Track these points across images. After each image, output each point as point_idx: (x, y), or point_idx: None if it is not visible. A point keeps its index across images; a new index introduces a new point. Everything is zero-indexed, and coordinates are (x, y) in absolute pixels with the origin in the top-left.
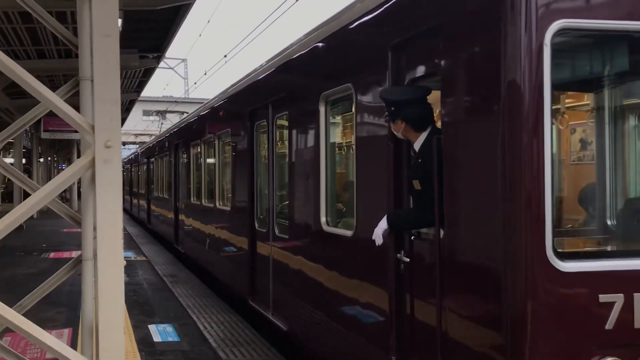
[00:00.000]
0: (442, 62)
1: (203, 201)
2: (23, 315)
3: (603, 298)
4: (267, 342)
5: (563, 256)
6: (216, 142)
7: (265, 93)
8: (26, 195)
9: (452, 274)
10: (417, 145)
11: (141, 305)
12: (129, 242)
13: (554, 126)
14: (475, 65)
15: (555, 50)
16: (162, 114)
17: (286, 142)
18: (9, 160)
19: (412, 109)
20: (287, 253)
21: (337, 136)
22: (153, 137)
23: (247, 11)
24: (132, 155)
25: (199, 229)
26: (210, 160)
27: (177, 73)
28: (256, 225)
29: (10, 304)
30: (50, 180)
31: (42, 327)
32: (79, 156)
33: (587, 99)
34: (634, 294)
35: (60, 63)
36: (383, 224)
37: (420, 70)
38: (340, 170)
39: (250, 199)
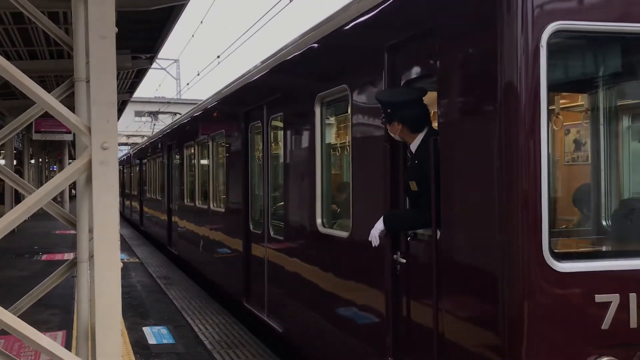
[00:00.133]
0: (439, 64)
1: (197, 203)
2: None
3: (599, 298)
4: (262, 343)
5: (559, 256)
6: (210, 143)
7: (260, 94)
8: (17, 196)
9: (449, 274)
10: (413, 147)
11: (135, 308)
12: (122, 244)
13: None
14: (472, 67)
15: (551, 51)
16: (154, 115)
17: (281, 143)
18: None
19: (409, 110)
20: (283, 254)
21: (332, 137)
22: (145, 138)
23: (240, 12)
24: (125, 157)
25: (192, 231)
26: (204, 162)
27: (169, 74)
28: (251, 226)
29: (3, 306)
30: (40, 181)
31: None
32: (70, 157)
33: (581, 100)
34: (630, 294)
35: (52, 64)
36: (379, 225)
37: (417, 71)
38: (336, 172)
39: (245, 200)
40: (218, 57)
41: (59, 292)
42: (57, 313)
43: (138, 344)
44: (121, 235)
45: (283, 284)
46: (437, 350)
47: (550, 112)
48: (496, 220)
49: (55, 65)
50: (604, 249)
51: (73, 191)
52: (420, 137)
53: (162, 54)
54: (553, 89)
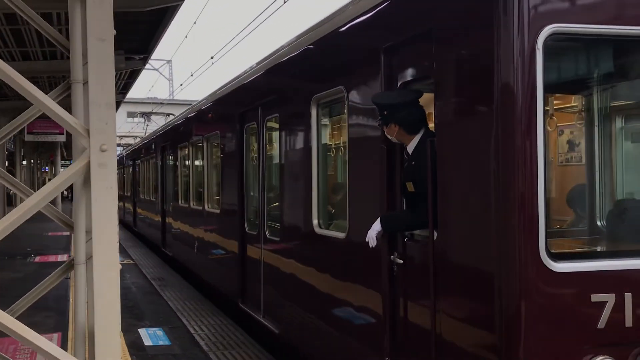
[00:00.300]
0: (435, 65)
1: (191, 204)
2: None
3: (595, 298)
4: (258, 344)
5: (556, 257)
6: (205, 144)
7: (255, 95)
8: (9, 198)
9: (446, 275)
10: (410, 148)
11: (130, 309)
12: None
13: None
14: (469, 69)
15: (547, 53)
16: (147, 115)
17: (277, 145)
18: None
19: (405, 112)
20: (279, 255)
21: (328, 138)
22: (138, 139)
23: (234, 13)
24: (117, 158)
25: (187, 232)
26: (198, 163)
27: (161, 74)
28: (246, 227)
29: None
30: (32, 182)
31: None
32: (62, 159)
33: (576, 101)
34: (625, 293)
35: (44, 65)
36: (376, 226)
37: (413, 73)
38: (332, 173)
39: (240, 201)
40: (212, 57)
41: (52, 294)
42: (51, 315)
43: (134, 345)
44: None
45: (279, 285)
46: (435, 351)
47: (545, 114)
48: (493, 221)
49: (48, 66)
50: (599, 249)
51: (65, 192)
52: (417, 138)
53: (154, 54)
54: (549, 90)
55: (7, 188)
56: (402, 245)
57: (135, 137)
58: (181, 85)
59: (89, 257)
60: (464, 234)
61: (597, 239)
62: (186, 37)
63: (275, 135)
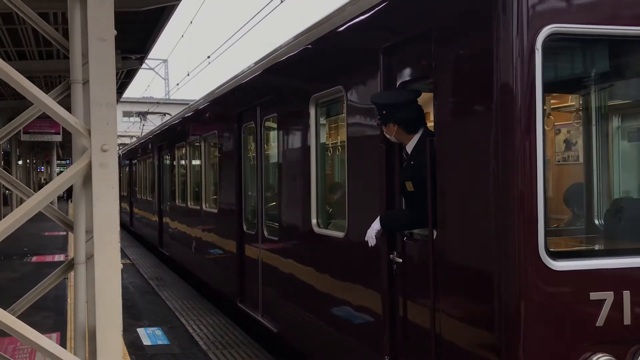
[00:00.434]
0: (435, 65)
1: (189, 203)
2: None
3: (594, 296)
4: (256, 343)
5: (555, 255)
6: (202, 144)
7: (254, 95)
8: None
9: (445, 274)
10: (409, 148)
11: (128, 309)
12: None
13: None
14: (468, 69)
15: (546, 53)
16: (143, 115)
17: (275, 144)
18: None
19: (404, 111)
20: (277, 255)
21: (327, 138)
22: (134, 138)
23: (231, 12)
24: None
25: (184, 232)
26: (196, 162)
27: (157, 74)
28: (244, 227)
29: None
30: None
31: None
32: (58, 158)
33: (574, 101)
34: (624, 291)
35: (41, 65)
36: (376, 225)
37: (412, 72)
38: (331, 172)
39: (238, 201)
40: (208, 57)
41: (50, 294)
42: (49, 315)
43: (133, 345)
44: None
45: (278, 284)
46: (434, 349)
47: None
48: (493, 220)
49: (44, 66)
50: (596, 247)
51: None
52: (416, 138)
53: (150, 54)
54: (548, 90)
55: (0, 189)
56: (402, 244)
57: (131, 136)
58: (177, 84)
59: (89, 257)
60: (464, 233)
61: (595, 237)
62: (182, 36)
63: (274, 134)
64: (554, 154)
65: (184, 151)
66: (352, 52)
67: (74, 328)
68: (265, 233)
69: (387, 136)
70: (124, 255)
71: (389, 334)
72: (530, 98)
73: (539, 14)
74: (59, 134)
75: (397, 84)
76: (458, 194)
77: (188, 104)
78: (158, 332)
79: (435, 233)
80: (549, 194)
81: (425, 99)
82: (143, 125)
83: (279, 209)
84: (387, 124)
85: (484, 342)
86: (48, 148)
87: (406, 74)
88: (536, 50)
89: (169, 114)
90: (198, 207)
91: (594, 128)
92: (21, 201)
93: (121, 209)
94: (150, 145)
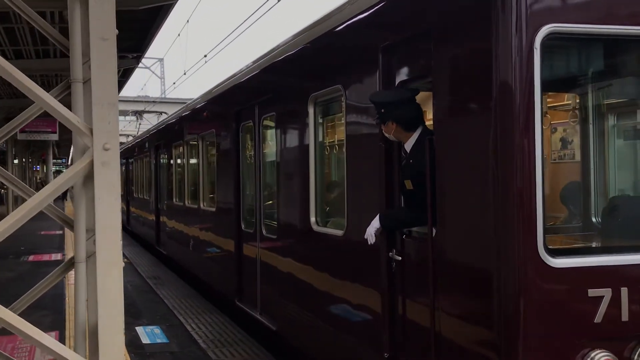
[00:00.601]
0: (434, 64)
1: (186, 202)
2: None
3: (592, 293)
4: (255, 341)
5: (553, 252)
6: (200, 142)
7: (252, 94)
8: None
9: (445, 271)
10: (408, 146)
11: (127, 307)
12: None
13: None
14: (467, 68)
15: (545, 52)
16: (139, 114)
17: (273, 143)
18: None
19: (402, 109)
20: (276, 253)
21: (326, 136)
22: (130, 137)
23: (228, 11)
24: None
25: (182, 231)
26: (194, 161)
27: (153, 73)
28: (242, 225)
29: None
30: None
31: None
32: (54, 157)
33: (570, 99)
34: (621, 288)
35: (38, 63)
36: (375, 223)
37: (411, 71)
38: (330, 171)
39: (237, 199)
40: (205, 56)
41: (47, 292)
42: (47, 314)
43: (132, 344)
44: None
45: (277, 282)
46: (434, 347)
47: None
48: (492, 218)
49: (41, 64)
50: (594, 245)
51: None
52: (414, 136)
53: (146, 53)
54: (546, 88)
55: None
56: (401, 242)
57: (127, 135)
58: (174, 83)
59: (89, 256)
60: (463, 231)
61: (593, 235)
62: (179, 35)
63: (272, 133)
64: (550, 152)
65: (181, 150)
66: (351, 51)
67: (74, 326)
68: (264, 232)
69: (386, 135)
70: None
71: (389, 331)
72: (528, 96)
73: (537, 13)
74: (55, 132)
75: (396, 83)
76: (457, 192)
77: (184, 103)
78: (157, 330)
79: (434, 231)
80: (546, 192)
81: (423, 98)
82: (139, 124)
83: (278, 207)
84: (386, 123)
85: (483, 339)
86: (44, 147)
87: (405, 73)
88: (535, 49)
89: (165, 112)
90: (196, 206)
91: (590, 126)
92: (15, 200)
93: None
94: (147, 144)
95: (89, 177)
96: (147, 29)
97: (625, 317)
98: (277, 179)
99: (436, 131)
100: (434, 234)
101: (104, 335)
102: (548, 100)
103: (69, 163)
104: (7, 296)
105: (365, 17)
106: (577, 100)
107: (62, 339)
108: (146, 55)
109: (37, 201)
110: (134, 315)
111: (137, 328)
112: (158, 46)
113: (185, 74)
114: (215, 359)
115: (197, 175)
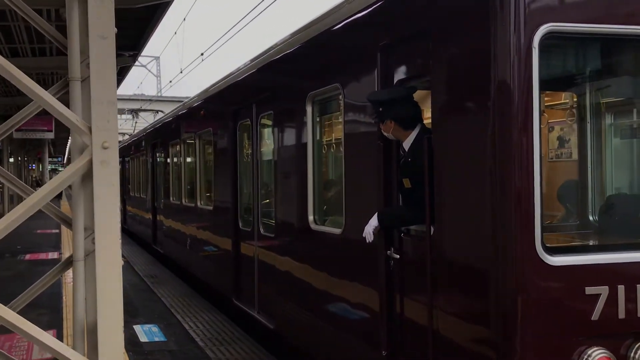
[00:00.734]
0: (432, 63)
1: (183, 201)
2: None
3: (589, 290)
4: (253, 340)
5: (551, 250)
6: (197, 141)
7: (250, 92)
8: None
9: (443, 269)
10: (406, 144)
11: (124, 306)
12: None
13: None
14: (465, 67)
15: (543, 51)
16: (135, 112)
17: (271, 141)
18: None
19: (400, 107)
20: (274, 252)
21: (324, 135)
22: (126, 136)
23: (224, 9)
24: None
25: (179, 229)
26: (191, 160)
27: (149, 71)
28: (240, 224)
29: None
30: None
31: None
32: (50, 156)
33: (568, 98)
34: (618, 286)
35: (33, 61)
36: (373, 222)
37: (410, 70)
38: (328, 169)
39: (234, 198)
40: (202, 54)
41: (43, 291)
42: (45, 313)
43: (130, 342)
44: None
45: (274, 281)
46: (432, 344)
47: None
48: (490, 216)
49: (37, 62)
50: (591, 243)
51: None
52: (413, 134)
53: (142, 51)
54: (544, 87)
55: None
56: (399, 240)
57: (123, 134)
58: (170, 82)
59: (88, 254)
60: (461, 229)
61: (590, 233)
62: (175, 33)
63: (270, 132)
64: (547, 151)
65: (178, 148)
66: (350, 49)
67: (73, 324)
68: (262, 230)
69: (385, 134)
70: None
71: (386, 329)
72: (527, 95)
73: (536, 12)
74: (51, 131)
75: (395, 81)
76: (455, 190)
77: (181, 101)
78: (154, 329)
79: (432, 229)
80: (544, 191)
81: (421, 96)
82: (135, 122)
83: (276, 206)
84: (384, 121)
85: (481, 337)
86: (40, 145)
87: (404, 72)
88: (533, 49)
89: (161, 111)
90: (193, 205)
91: (588, 125)
92: (11, 199)
93: None
94: (143, 142)
95: (87, 176)
96: (144, 27)
97: (622, 314)
98: (275, 177)
99: (434, 130)
100: (432, 232)
101: (103, 333)
102: (546, 99)
103: (65, 162)
104: (4, 295)
105: (363, 15)
106: (575, 99)
107: (59, 338)
108: (142, 53)
109: (37, 199)
110: (131, 313)
111: (134, 326)
112: (154, 44)
113: (181, 72)
114: (213, 357)
115: (194, 174)
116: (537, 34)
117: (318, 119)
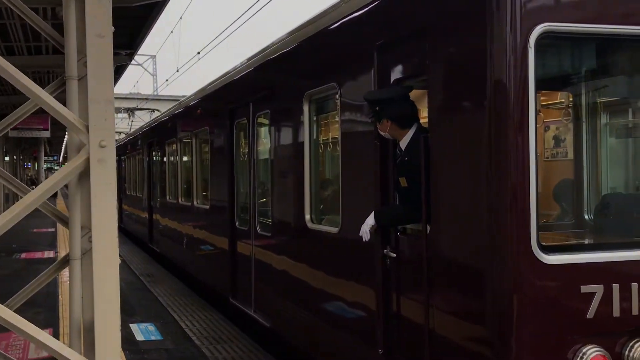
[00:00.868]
0: (429, 62)
1: (180, 200)
2: None
3: (584, 289)
4: (249, 338)
5: (547, 249)
6: (194, 140)
7: (246, 91)
8: None
9: (439, 268)
10: (403, 144)
11: (121, 305)
12: None
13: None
14: (462, 66)
15: (539, 51)
16: (131, 111)
17: (267, 140)
18: None
19: (397, 106)
20: (270, 251)
21: (320, 134)
22: (123, 135)
23: (221, 8)
24: None
25: (175, 228)
26: (187, 159)
27: (146, 70)
28: (236, 223)
29: None
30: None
31: None
32: (45, 154)
33: (564, 98)
34: (613, 284)
35: (29, 60)
36: (370, 220)
37: (407, 70)
38: (325, 168)
39: (230, 197)
40: (198, 53)
41: (40, 290)
42: (41, 311)
43: (126, 341)
44: None
45: (271, 279)
46: (428, 343)
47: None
48: (486, 215)
49: (33, 61)
50: (586, 241)
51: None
52: (409, 134)
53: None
54: (540, 87)
55: None
56: (395, 239)
57: (119, 132)
58: (167, 80)
59: (84, 253)
60: (457, 228)
61: (585, 232)
62: (172, 32)
63: (267, 131)
64: (543, 150)
65: (174, 147)
66: (347, 49)
67: (69, 323)
68: (258, 229)
69: (381, 133)
70: None
71: (383, 328)
72: (523, 95)
73: (532, 12)
74: (47, 130)
75: (392, 81)
76: (451, 189)
77: (177, 100)
78: (151, 327)
79: (428, 228)
80: (539, 190)
81: (417, 96)
82: (132, 121)
83: (272, 205)
84: (381, 120)
85: (476, 335)
86: (36, 144)
87: (400, 71)
88: (529, 48)
89: (158, 110)
90: (189, 204)
91: (583, 124)
92: (6, 198)
93: None
94: (139, 141)
95: (84, 174)
96: (140, 25)
97: (616, 312)
98: (272, 176)
99: (431, 129)
100: (428, 231)
101: (100, 332)
102: (541, 98)
103: (61, 160)
104: (1, 294)
105: (360, 15)
106: (570, 99)
107: (56, 336)
108: (139, 52)
109: (34, 197)
110: (127, 312)
111: (131, 325)
112: (151, 43)
113: (178, 71)
114: (209, 355)
115: (190, 173)
116: (533, 34)
117: (315, 118)
